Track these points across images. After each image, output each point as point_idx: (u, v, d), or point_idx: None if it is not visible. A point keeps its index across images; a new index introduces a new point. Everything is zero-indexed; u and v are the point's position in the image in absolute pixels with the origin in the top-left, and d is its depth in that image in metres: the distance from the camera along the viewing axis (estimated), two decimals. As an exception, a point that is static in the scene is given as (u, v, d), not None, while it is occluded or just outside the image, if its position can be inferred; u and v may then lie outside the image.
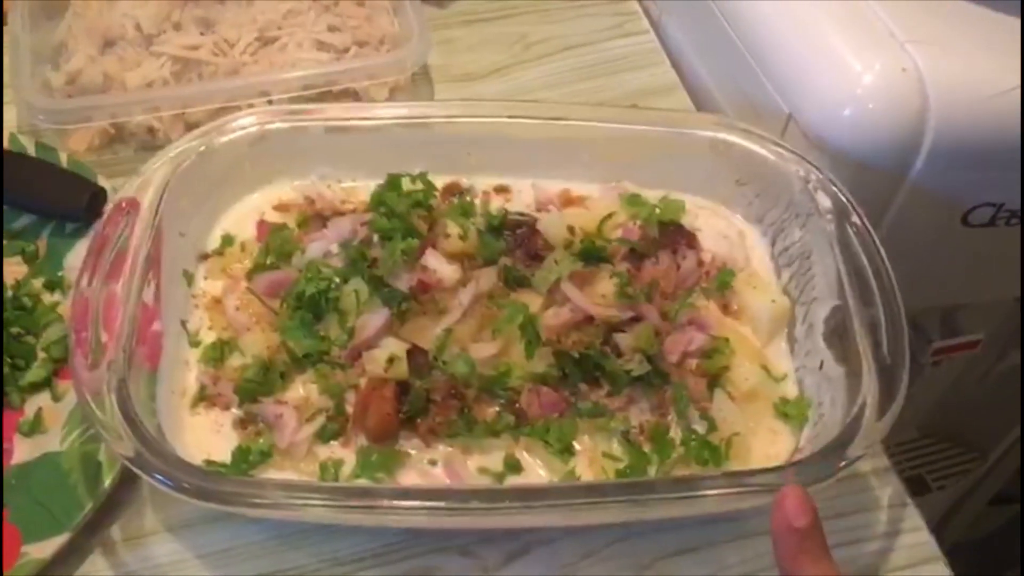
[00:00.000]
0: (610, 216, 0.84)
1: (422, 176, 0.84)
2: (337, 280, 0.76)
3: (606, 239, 0.82)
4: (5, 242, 0.85)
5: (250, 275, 0.78)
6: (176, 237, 0.77)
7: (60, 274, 0.82)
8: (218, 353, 0.74)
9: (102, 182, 0.86)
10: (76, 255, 0.83)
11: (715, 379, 0.75)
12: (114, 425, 0.63)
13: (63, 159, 0.88)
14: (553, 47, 1.09)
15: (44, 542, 0.68)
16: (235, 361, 0.74)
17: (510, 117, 0.85)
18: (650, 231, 0.83)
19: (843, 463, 0.66)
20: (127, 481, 0.72)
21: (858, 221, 0.78)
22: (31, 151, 0.89)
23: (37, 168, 0.87)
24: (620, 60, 1.09)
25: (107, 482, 0.70)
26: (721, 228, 0.86)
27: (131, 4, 0.97)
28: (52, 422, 0.74)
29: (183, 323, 0.76)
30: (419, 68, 1.01)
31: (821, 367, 0.75)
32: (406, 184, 0.83)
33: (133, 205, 0.74)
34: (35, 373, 0.76)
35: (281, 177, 0.85)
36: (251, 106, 0.89)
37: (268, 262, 0.79)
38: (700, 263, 0.83)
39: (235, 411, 0.72)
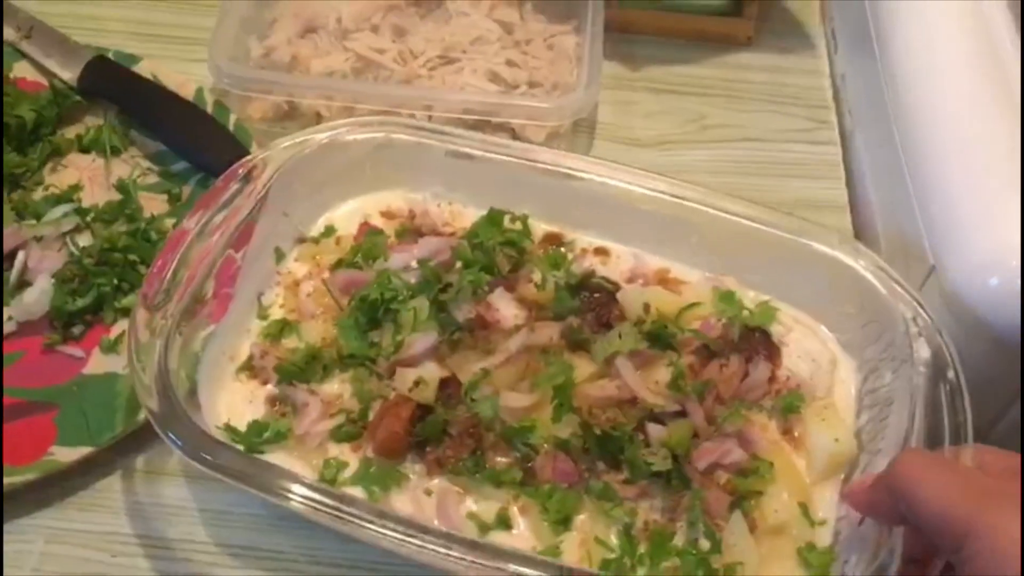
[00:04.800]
0: (694, 306, 0.78)
1: (522, 218, 0.82)
2: (404, 293, 0.76)
3: (681, 328, 0.77)
4: (158, 180, 0.90)
5: (333, 268, 0.80)
6: (279, 215, 0.80)
7: None
8: (278, 330, 0.76)
9: (255, 150, 0.89)
10: None
11: (742, 501, 0.68)
12: (146, 376, 0.65)
13: (231, 121, 0.93)
14: (730, 135, 1.02)
15: (71, 449, 0.70)
16: (290, 342, 0.75)
17: (628, 184, 0.81)
18: (731, 332, 0.77)
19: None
20: None
21: (954, 380, 0.69)
22: (208, 107, 0.94)
23: (203, 121, 0.92)
24: (795, 165, 1.00)
25: (142, 414, 0.71)
26: (812, 350, 0.78)
27: (341, -1, 1.02)
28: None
29: (259, 296, 0.78)
30: (584, 121, 1.00)
31: (861, 523, 0.66)
32: (506, 222, 0.82)
33: (251, 172, 0.77)
34: (132, 300, 0.79)
35: (397, 186, 0.86)
36: (412, 115, 0.92)
37: (354, 261, 0.80)
38: (773, 379, 0.76)
39: (271, 388, 0.74)
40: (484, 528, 0.68)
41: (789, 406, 0.74)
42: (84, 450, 0.71)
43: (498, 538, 0.67)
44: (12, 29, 0.98)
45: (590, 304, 0.78)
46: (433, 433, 0.70)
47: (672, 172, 0.95)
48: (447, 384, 0.72)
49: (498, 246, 0.80)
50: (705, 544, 0.67)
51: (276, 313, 0.78)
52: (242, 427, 0.71)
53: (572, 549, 0.67)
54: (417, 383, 0.70)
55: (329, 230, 0.83)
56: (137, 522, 0.72)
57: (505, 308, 0.76)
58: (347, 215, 0.84)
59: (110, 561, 0.71)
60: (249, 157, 0.78)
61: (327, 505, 0.62)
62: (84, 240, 0.84)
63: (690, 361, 0.75)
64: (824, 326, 0.80)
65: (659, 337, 0.75)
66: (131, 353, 0.66)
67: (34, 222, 0.84)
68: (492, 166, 0.84)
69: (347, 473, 0.69)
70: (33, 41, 0.97)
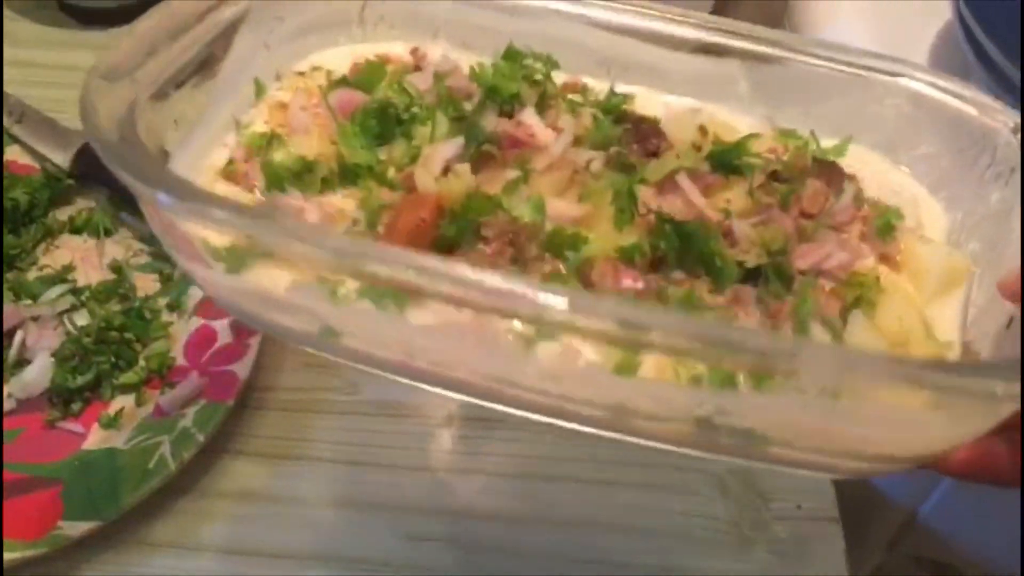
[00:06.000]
0: (755, 135, 0.66)
1: (546, 58, 0.70)
2: (419, 105, 0.62)
3: (745, 151, 0.64)
4: (149, 260, 0.91)
5: (330, 89, 0.65)
6: (259, 45, 0.66)
7: (183, 299, 0.86)
8: (263, 143, 0.60)
9: None
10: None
11: (857, 303, 0.54)
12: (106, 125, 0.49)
13: None
14: None
15: (78, 523, 0.70)
16: (278, 155, 0.60)
17: (666, 19, 0.70)
18: (801, 161, 0.65)
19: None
20: (169, 492, 0.73)
21: (1082, 176, 0.57)
22: None
23: None
24: None
25: (146, 488, 0.71)
26: (893, 183, 0.66)
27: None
28: (127, 422, 0.77)
29: (237, 121, 0.63)
30: None
31: (1010, 325, 0.53)
32: (528, 62, 0.69)
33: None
34: (130, 376, 0.80)
35: (397, 40, 0.73)
36: None
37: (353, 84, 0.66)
38: (859, 204, 0.63)
39: (257, 196, 0.58)
40: (529, 343, 0.51)
41: (886, 224, 0.61)
42: (92, 524, 0.70)
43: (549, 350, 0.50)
44: (3, 114, 0.99)
45: (635, 134, 0.65)
46: (463, 234, 0.54)
47: None
48: (476, 196, 0.57)
49: (521, 83, 0.67)
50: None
51: (259, 128, 0.62)
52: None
53: (648, 372, 0.51)
54: (446, 171, 0.55)
55: (317, 68, 0.69)
56: None
57: (538, 126, 0.62)
58: (337, 56, 0.70)
59: None
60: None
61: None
62: (80, 318, 0.85)
63: (762, 182, 0.62)
64: (899, 168, 0.69)
65: (722, 159, 0.62)
66: (85, 110, 0.50)
67: (30, 302, 0.86)
68: (503, 15, 0.72)
69: (348, 288, 0.52)
70: (24, 126, 0.99)
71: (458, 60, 0.72)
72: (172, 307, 0.86)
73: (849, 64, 0.69)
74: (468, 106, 0.64)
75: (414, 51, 0.71)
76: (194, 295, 0.86)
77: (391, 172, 0.59)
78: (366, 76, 0.66)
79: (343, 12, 0.71)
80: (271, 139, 0.61)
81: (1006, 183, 0.61)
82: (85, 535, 0.69)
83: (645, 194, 0.58)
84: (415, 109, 0.61)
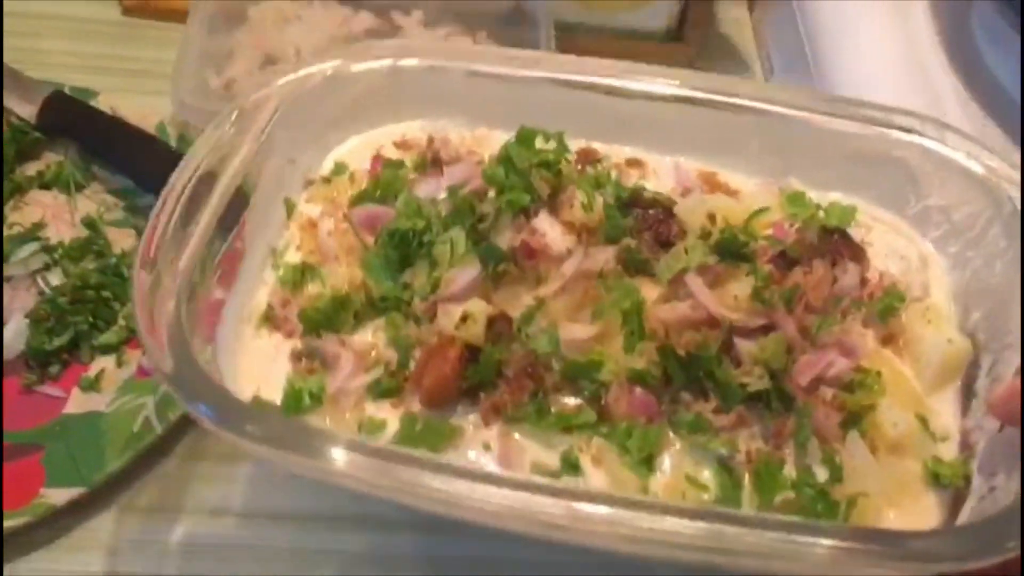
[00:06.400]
0: (763, 211, 0.68)
1: (558, 135, 0.71)
2: (437, 225, 0.65)
3: (752, 235, 0.66)
4: (124, 214, 0.87)
5: (352, 204, 0.69)
6: (284, 162, 0.69)
7: None
8: (299, 276, 0.65)
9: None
10: None
11: (853, 419, 0.58)
12: (159, 343, 0.54)
13: None
14: None
15: (62, 490, 0.67)
16: (313, 289, 0.64)
17: (670, 85, 0.71)
18: (808, 235, 0.67)
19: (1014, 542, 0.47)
20: (154, 455, 0.71)
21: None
22: (172, 141, 0.89)
23: (167, 156, 0.86)
24: None
25: (131, 452, 0.69)
26: (899, 247, 0.68)
27: (300, 31, 0.96)
28: (108, 384, 0.75)
29: (272, 249, 0.68)
30: None
31: (1002, 430, 0.56)
32: (539, 142, 0.71)
33: (246, 117, 0.66)
34: (109, 337, 0.77)
35: (410, 116, 0.75)
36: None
37: (375, 195, 0.69)
38: (864, 282, 0.66)
39: (296, 341, 0.63)
40: (553, 477, 0.57)
41: (887, 308, 0.64)
42: (76, 491, 0.68)
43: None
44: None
45: (645, 222, 0.67)
46: (486, 376, 0.59)
47: None
48: (496, 323, 0.61)
49: (535, 168, 0.69)
50: (821, 473, 0.56)
51: (293, 257, 0.66)
52: (268, 389, 0.60)
53: (662, 496, 0.56)
54: (464, 319, 0.59)
55: (339, 168, 0.72)
56: (132, 561, 0.68)
57: (552, 232, 0.65)
58: (357, 149, 0.73)
59: None
60: (242, 99, 0.68)
61: (381, 465, 0.51)
62: (54, 278, 0.81)
63: (768, 270, 0.64)
64: (908, 222, 0.70)
65: (730, 248, 0.65)
66: (139, 320, 0.55)
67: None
68: (517, 85, 0.73)
69: (387, 435, 0.58)
70: None
71: (473, 137, 0.75)
72: None
73: (859, 119, 0.70)
74: (484, 206, 0.67)
75: (430, 143, 0.73)
76: None
77: (415, 301, 0.63)
78: (385, 184, 0.69)
79: (358, 101, 0.73)
80: (304, 272, 0.65)
81: (1007, 257, 0.63)
82: (69, 502, 0.67)
83: (653, 310, 0.61)
84: (432, 232, 0.64)
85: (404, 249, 0.64)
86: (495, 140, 0.73)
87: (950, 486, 0.57)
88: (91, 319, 0.77)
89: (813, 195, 0.71)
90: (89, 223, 0.85)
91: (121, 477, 0.69)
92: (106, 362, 0.76)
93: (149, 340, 0.53)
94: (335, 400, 0.60)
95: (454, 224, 0.65)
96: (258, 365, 0.62)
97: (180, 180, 0.61)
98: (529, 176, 0.68)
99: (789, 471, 0.57)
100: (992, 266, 0.64)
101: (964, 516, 0.55)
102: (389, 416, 0.59)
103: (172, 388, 0.52)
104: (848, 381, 0.59)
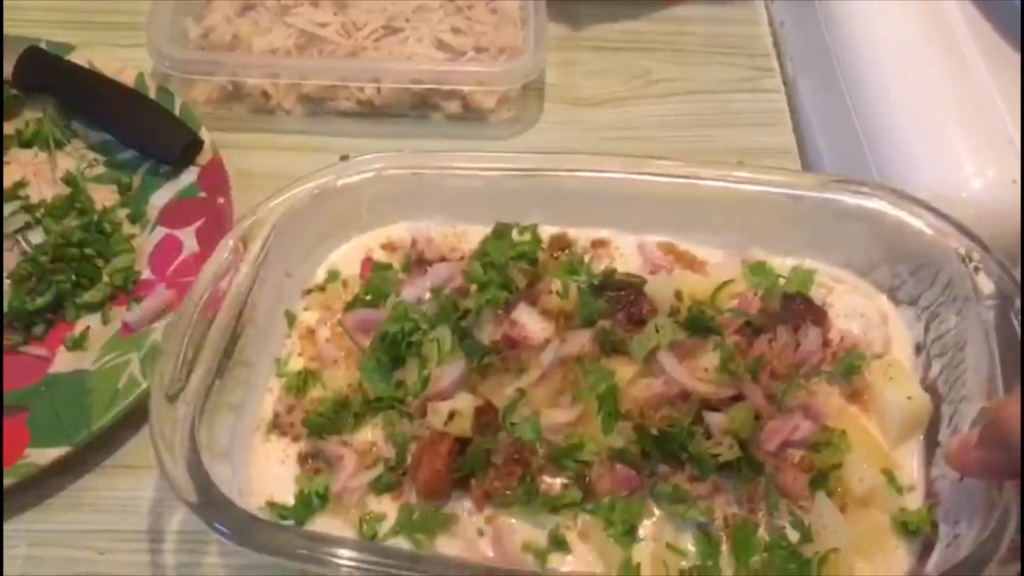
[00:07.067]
0: (727, 284, 0.72)
1: (532, 228, 0.77)
2: (424, 325, 0.70)
3: (718, 309, 0.70)
4: (106, 170, 0.86)
5: (346, 310, 0.74)
6: (282, 276, 0.74)
7: (144, 209, 0.82)
8: (302, 382, 0.70)
9: (206, 134, 0.86)
10: (161, 195, 0.84)
11: (821, 478, 0.61)
12: (179, 468, 0.59)
13: (176, 105, 0.88)
14: (676, 88, 0.99)
15: (46, 450, 0.67)
16: (316, 393, 0.69)
17: (639, 174, 0.76)
18: (771, 304, 0.71)
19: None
20: (141, 413, 0.68)
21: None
22: (151, 93, 0.89)
23: (147, 108, 0.87)
24: (741, 114, 0.97)
25: (117, 409, 0.69)
26: (858, 306, 0.72)
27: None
28: (94, 342, 0.74)
29: (276, 360, 0.73)
30: (533, 83, 0.95)
31: (962, 479, 0.59)
32: (515, 235, 0.76)
33: (242, 244, 0.72)
34: (93, 294, 0.77)
35: (396, 219, 0.80)
36: (361, 90, 0.90)
37: (366, 299, 0.74)
38: (826, 343, 0.69)
39: (302, 444, 0.67)
40: (542, 556, 0.61)
41: (849, 367, 0.67)
42: (60, 450, 0.67)
43: (560, 565, 0.60)
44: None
45: (618, 303, 0.72)
46: (476, 465, 0.63)
47: (623, 128, 0.95)
48: (483, 412, 0.65)
49: (510, 261, 0.74)
50: (793, 534, 0.60)
51: (296, 364, 0.71)
52: (278, 490, 0.65)
53: (644, 565, 0.60)
54: (452, 416, 0.64)
55: (333, 275, 0.77)
56: (121, 517, 0.69)
57: (530, 323, 0.70)
58: (347, 255, 0.78)
59: (98, 559, 0.67)
60: (239, 221, 0.73)
61: (381, 563, 0.55)
62: (36, 237, 0.80)
63: (735, 341, 0.68)
64: (867, 280, 0.74)
65: (697, 323, 0.69)
66: (158, 447, 0.59)
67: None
68: (486, 182, 0.78)
69: (387, 524, 0.63)
70: None
71: (454, 233, 0.80)
72: (133, 218, 0.81)
73: (815, 188, 0.74)
74: (467, 302, 0.71)
75: (414, 244, 0.78)
76: (155, 204, 0.82)
77: (409, 399, 0.67)
78: (375, 287, 0.74)
79: (346, 211, 0.79)
80: (306, 378, 0.70)
81: (960, 312, 0.66)
82: (54, 462, 0.67)
83: (628, 389, 0.65)
84: (420, 332, 0.69)
85: (395, 350, 0.69)
86: (474, 234, 0.78)
87: (918, 534, 0.60)
88: (74, 277, 0.77)
89: (776, 262, 0.75)
90: (70, 180, 0.84)
91: (108, 436, 0.69)
92: (91, 320, 0.76)
93: (172, 474, 0.58)
94: (339, 498, 0.64)
95: (440, 323, 0.70)
96: (271, 469, 0.67)
97: (186, 312, 0.66)
98: (507, 270, 0.73)
99: (763, 534, 0.60)
100: (948, 320, 0.68)
101: (932, 562, 0.59)
102: (388, 508, 0.64)
103: (199, 516, 0.57)
104: (814, 442, 0.63)
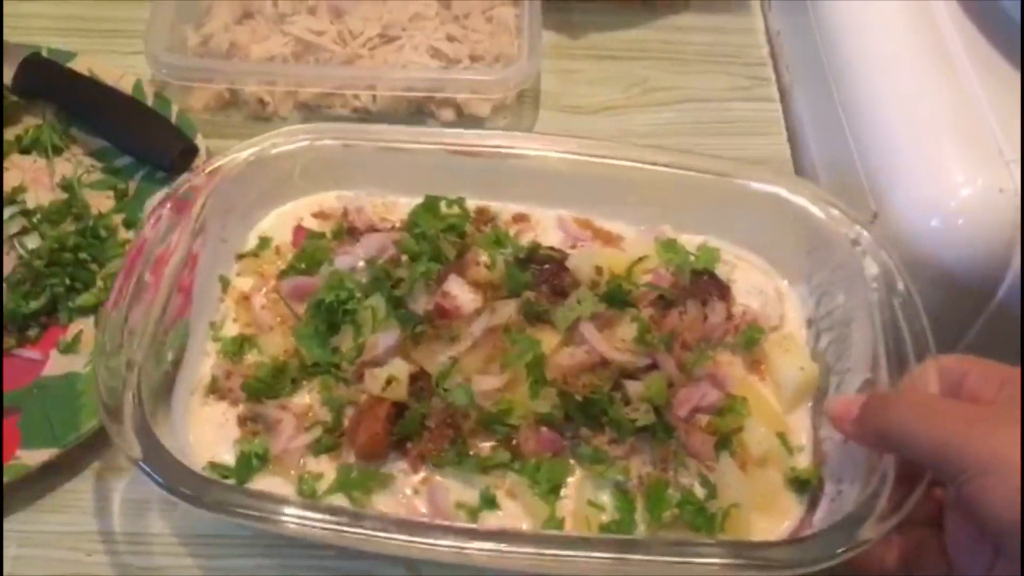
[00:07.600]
0: (642, 260, 0.77)
1: (459, 201, 0.80)
2: (358, 294, 0.73)
3: (634, 283, 0.76)
4: (103, 176, 0.87)
5: (280, 277, 0.76)
6: (217, 242, 0.76)
7: (140, 215, 0.83)
8: (237, 347, 0.72)
9: (203, 141, 0.87)
10: (154, 201, 0.83)
11: (725, 440, 0.68)
12: (122, 423, 0.61)
13: (173, 112, 0.88)
14: (672, 97, 1.00)
15: (37, 451, 0.68)
16: (252, 358, 0.71)
17: (561, 153, 0.80)
18: (681, 279, 0.77)
19: (850, 545, 0.58)
20: None
21: (904, 291, 0.69)
22: (148, 100, 0.90)
23: (145, 115, 0.88)
24: (737, 123, 0.99)
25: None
26: (758, 283, 0.79)
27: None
28: (86, 345, 0.75)
29: (211, 324, 0.74)
30: (527, 91, 0.97)
31: (846, 441, 0.67)
32: (443, 208, 0.80)
33: (181, 208, 0.72)
34: (87, 298, 0.78)
35: (327, 188, 0.82)
36: (356, 97, 0.91)
37: (301, 267, 0.76)
38: (730, 317, 0.76)
39: (241, 407, 0.70)
40: (473, 513, 0.65)
41: (750, 340, 0.74)
42: (49, 452, 0.69)
43: (490, 520, 0.65)
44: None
45: (542, 276, 0.76)
46: (412, 429, 0.67)
47: (618, 137, 0.95)
48: (417, 378, 0.69)
49: (440, 233, 0.77)
50: (700, 491, 0.66)
51: (231, 329, 0.73)
52: (221, 452, 0.67)
53: (567, 519, 0.65)
54: (389, 382, 0.67)
55: (264, 241, 0.79)
56: (110, 519, 0.70)
57: (461, 294, 0.73)
58: (279, 222, 0.80)
59: (87, 560, 0.68)
60: (172, 188, 0.74)
61: (325, 520, 0.59)
62: (32, 242, 0.81)
63: (649, 314, 0.74)
64: (766, 259, 0.81)
65: (616, 296, 0.74)
66: (104, 414, 0.61)
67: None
68: (417, 155, 0.81)
69: (325, 483, 0.66)
70: None
71: (384, 204, 0.82)
72: (128, 224, 0.83)
73: (721, 173, 0.79)
74: (399, 272, 0.74)
75: (345, 214, 0.80)
76: (147, 206, 0.83)
77: (344, 364, 0.70)
78: (309, 255, 0.76)
79: (280, 178, 0.80)
80: (242, 343, 0.72)
81: (848, 291, 0.74)
82: (43, 464, 0.68)
83: (553, 358, 0.70)
84: (355, 300, 0.72)
85: (331, 318, 0.72)
86: (403, 206, 0.81)
87: (806, 490, 0.67)
88: (68, 281, 0.78)
89: (685, 239, 0.80)
90: (67, 186, 0.85)
91: (97, 438, 0.70)
92: (84, 323, 0.77)
93: (116, 432, 0.60)
94: (280, 459, 0.67)
95: (374, 292, 0.73)
96: (210, 431, 0.69)
97: (120, 278, 0.67)
98: (437, 241, 0.76)
99: (674, 491, 0.66)
100: (836, 298, 0.75)
101: (820, 513, 0.66)
102: (327, 468, 0.67)
103: (143, 472, 0.59)
104: (719, 408, 0.69)
